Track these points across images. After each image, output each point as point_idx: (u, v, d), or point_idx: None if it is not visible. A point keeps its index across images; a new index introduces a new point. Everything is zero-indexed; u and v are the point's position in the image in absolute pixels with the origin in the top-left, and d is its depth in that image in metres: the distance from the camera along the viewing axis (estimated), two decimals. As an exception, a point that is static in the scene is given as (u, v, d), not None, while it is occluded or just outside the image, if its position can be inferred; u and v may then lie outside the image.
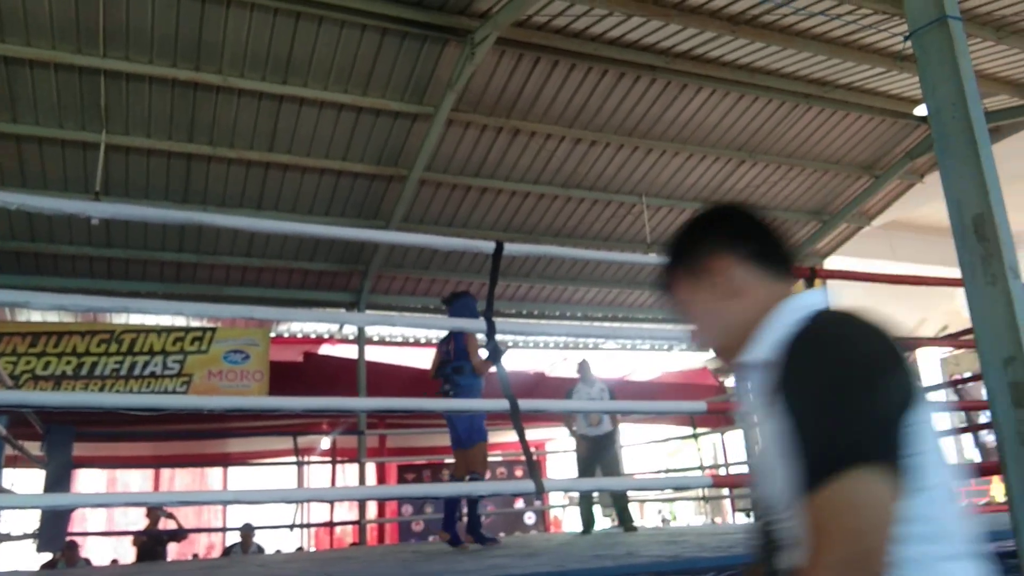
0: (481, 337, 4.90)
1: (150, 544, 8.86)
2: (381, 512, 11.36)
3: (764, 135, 8.89)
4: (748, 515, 12.80)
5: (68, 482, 6.95)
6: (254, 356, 8.82)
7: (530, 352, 13.16)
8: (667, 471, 13.48)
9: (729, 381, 12.23)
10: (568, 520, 14.05)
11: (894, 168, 9.72)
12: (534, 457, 5.10)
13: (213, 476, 13.21)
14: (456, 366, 5.08)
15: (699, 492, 12.93)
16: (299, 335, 11.26)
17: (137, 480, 12.85)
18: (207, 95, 6.92)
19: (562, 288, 10.67)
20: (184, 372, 8.56)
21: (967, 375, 12.85)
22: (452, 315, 5.30)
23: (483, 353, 5.05)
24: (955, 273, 2.47)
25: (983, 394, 2.34)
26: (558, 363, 13.58)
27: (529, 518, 12.81)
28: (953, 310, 16.65)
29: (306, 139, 7.56)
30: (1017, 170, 11.27)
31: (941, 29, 2.44)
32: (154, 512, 8.86)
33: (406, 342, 12.39)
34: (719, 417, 11.48)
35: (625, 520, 7.08)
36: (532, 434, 10.93)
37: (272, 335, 9.71)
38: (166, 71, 6.54)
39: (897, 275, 4.56)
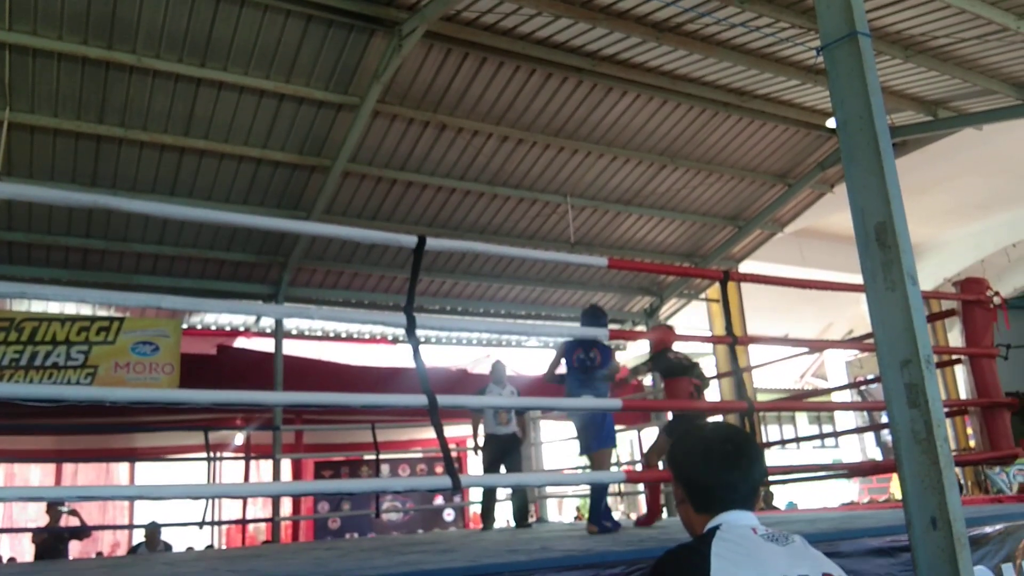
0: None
1: (51, 542, 8.48)
2: (296, 510, 11.15)
3: (685, 141, 9.10)
4: (662, 510, 13.08)
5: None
6: (164, 348, 8.52)
7: (452, 349, 13.14)
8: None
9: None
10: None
11: (806, 178, 10.10)
12: (453, 454, 5.11)
13: (119, 472, 12.69)
14: (603, 374, 5.38)
15: (614, 488, 13.14)
16: (213, 327, 10.95)
17: (37, 475, 12.24)
18: (120, 75, 6.64)
19: (486, 285, 10.69)
20: (89, 363, 8.20)
21: (870, 377, 13.45)
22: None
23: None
24: (860, 280, 2.58)
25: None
26: (480, 360, 13.60)
27: (448, 515, 12.78)
28: (859, 315, 17.43)
29: (224, 125, 7.34)
30: (920, 183, 11.90)
31: (851, 45, 2.54)
32: (55, 508, 8.47)
33: (326, 336, 12.19)
34: (636, 414, 11.72)
35: (520, 518, 7.19)
36: (452, 431, 10.91)
37: (184, 327, 9.39)
38: (76, 48, 6.24)
39: (806, 280, 4.73)
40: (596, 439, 5.48)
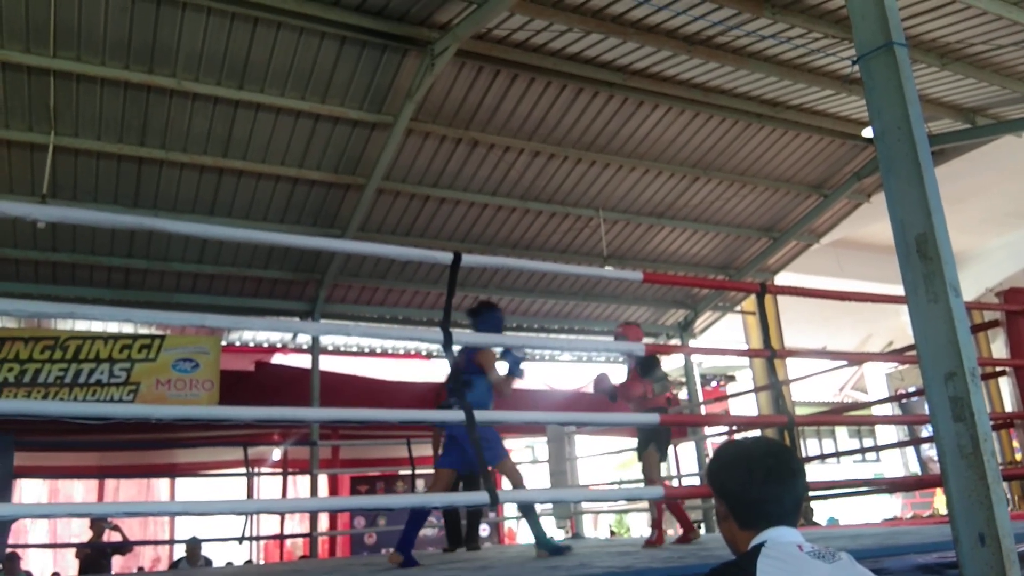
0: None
1: (94, 557, 8.63)
2: (333, 524, 11.21)
3: (718, 153, 9.05)
4: (700, 526, 12.92)
5: (8, 492, 6.74)
6: (204, 365, 8.65)
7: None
8: (619, 483, 13.55)
9: (682, 394, 12.39)
10: (523, 532, 14.02)
11: (842, 188, 9.98)
12: (488, 468, 5.06)
13: (160, 487, 12.89)
14: (467, 379, 4.62)
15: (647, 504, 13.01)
16: (251, 344, 11.10)
17: (81, 491, 12.48)
18: (160, 98, 6.80)
19: (519, 300, 10.69)
20: (131, 380, 8.35)
21: (911, 390, 13.21)
22: (478, 328, 5.10)
23: (501, 368, 4.73)
24: (900, 290, 2.54)
25: (927, 409, 2.41)
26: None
27: (483, 530, 12.76)
28: (899, 326, 17.13)
29: (262, 145, 7.47)
30: (958, 191, 11.70)
31: (887, 55, 2.52)
32: (98, 524, 8.63)
33: (361, 352, 12.29)
34: (672, 429, 11.60)
35: (471, 537, 7.12)
36: (486, 445, 10.88)
37: (223, 343, 9.53)
38: (118, 73, 6.40)
39: (844, 292, 4.68)
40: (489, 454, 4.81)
